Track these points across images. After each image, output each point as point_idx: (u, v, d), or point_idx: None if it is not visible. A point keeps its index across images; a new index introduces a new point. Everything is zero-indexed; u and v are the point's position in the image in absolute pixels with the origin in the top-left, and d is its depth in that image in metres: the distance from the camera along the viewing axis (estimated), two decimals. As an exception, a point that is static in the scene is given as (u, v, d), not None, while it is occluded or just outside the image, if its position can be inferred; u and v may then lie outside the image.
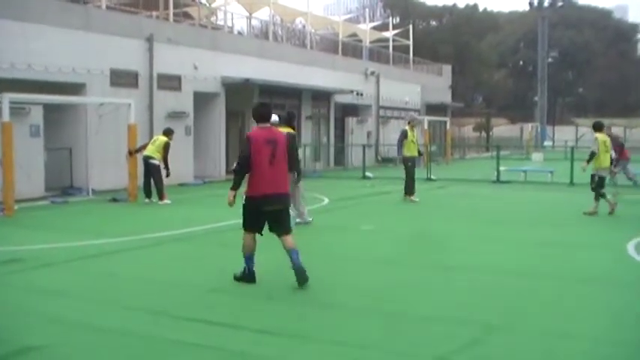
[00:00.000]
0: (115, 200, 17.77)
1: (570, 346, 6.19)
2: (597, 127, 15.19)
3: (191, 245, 11.55)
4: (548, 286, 8.49)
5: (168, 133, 17.98)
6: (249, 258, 8.48)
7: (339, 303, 7.65)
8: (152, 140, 18.13)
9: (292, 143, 10.14)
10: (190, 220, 13.96)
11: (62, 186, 19.75)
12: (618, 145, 18.73)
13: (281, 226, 8.43)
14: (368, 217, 14.79)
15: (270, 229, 8.44)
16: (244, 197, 8.29)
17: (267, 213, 8.27)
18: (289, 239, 8.40)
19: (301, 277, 8.15)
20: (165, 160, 17.39)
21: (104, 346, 6.12)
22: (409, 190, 17.90)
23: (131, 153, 18.02)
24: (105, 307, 7.44)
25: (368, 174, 26.23)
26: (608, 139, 15.09)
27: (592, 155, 14.64)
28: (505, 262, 9.99)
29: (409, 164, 17.95)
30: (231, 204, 8.29)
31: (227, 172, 25.40)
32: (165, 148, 17.48)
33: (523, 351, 5.99)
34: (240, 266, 8.60)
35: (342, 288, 8.47)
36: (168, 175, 17.41)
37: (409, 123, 18.62)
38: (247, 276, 8.46)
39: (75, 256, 10.34)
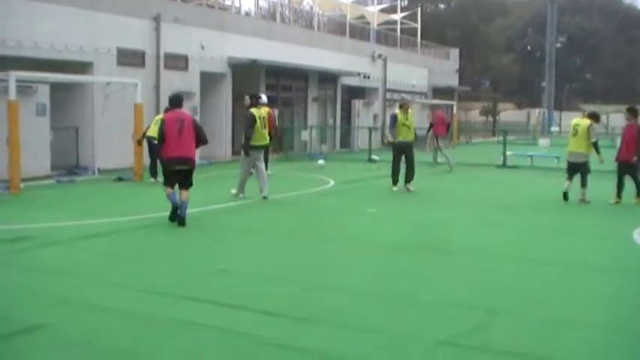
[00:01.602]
0: (120, 180, 17.79)
1: (574, 332, 6.20)
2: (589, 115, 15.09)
3: (194, 226, 11.54)
4: (553, 273, 8.49)
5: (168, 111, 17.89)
6: (171, 195, 11.25)
7: (342, 286, 7.66)
8: (154, 120, 18.03)
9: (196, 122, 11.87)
10: (195, 201, 13.95)
11: (68, 165, 19.75)
12: None
13: (184, 182, 11.33)
14: (373, 200, 14.78)
15: (178, 183, 11.23)
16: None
17: (176, 171, 11.22)
18: (185, 193, 11.26)
19: (180, 223, 11.06)
20: None
21: (109, 326, 6.15)
22: (395, 177, 16.47)
23: (139, 142, 17.89)
24: (110, 287, 7.47)
25: (374, 157, 26.18)
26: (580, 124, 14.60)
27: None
28: (509, 248, 9.99)
29: (396, 151, 16.51)
30: None
31: (233, 152, 25.40)
32: None
33: (527, 336, 5.99)
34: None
35: (346, 271, 8.50)
36: None
37: (400, 106, 16.94)
38: (173, 209, 11.24)
39: (80, 235, 10.37)
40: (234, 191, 14.63)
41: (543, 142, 34.07)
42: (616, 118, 58.17)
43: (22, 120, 15.43)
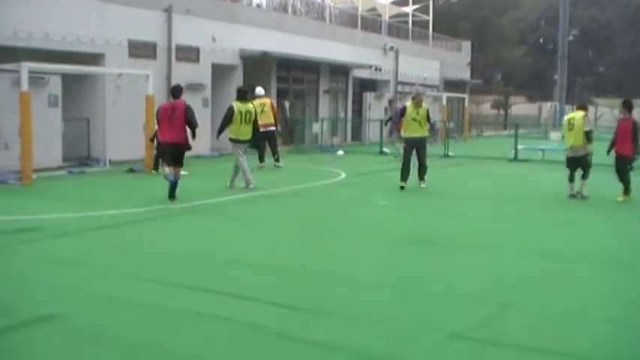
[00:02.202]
0: (131, 171, 17.82)
1: (586, 326, 6.16)
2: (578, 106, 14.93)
3: (205, 217, 11.58)
4: (564, 267, 8.44)
5: None
6: (169, 175, 12.64)
7: (354, 278, 7.64)
8: None
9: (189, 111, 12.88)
10: (205, 193, 13.99)
11: (79, 156, 19.79)
12: None
13: (176, 161, 12.80)
14: (384, 193, 14.74)
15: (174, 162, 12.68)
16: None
17: (168, 152, 12.81)
18: (178, 170, 12.80)
19: (171, 191, 12.72)
20: None
21: (119, 316, 6.15)
22: (403, 173, 15.21)
23: (152, 139, 17.85)
24: (120, 278, 7.47)
25: (385, 149, 26.13)
26: (576, 117, 14.34)
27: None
28: (520, 242, 9.93)
29: (406, 146, 15.38)
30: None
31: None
32: None
33: (538, 330, 5.95)
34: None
35: (357, 263, 8.48)
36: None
37: (413, 98, 15.75)
38: (172, 188, 12.68)
39: (91, 226, 10.38)
40: (242, 185, 14.71)
41: (555, 135, 33.91)
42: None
43: (34, 111, 15.46)
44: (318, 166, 20.23)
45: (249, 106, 15.50)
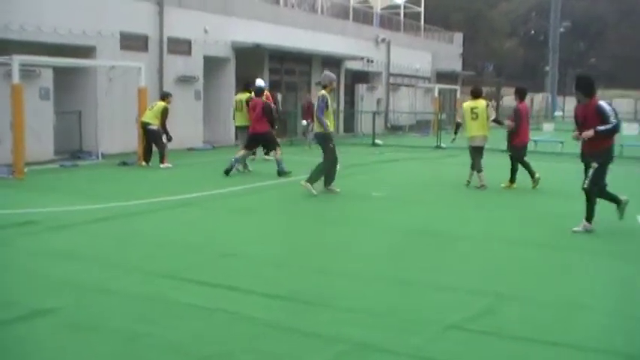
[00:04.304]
0: (124, 164, 17.78)
1: (582, 317, 6.18)
2: (472, 93, 14.98)
3: (200, 210, 11.57)
4: (560, 257, 8.48)
5: (165, 97, 18.00)
6: (237, 160, 15.51)
7: (350, 270, 7.65)
8: (150, 106, 18.03)
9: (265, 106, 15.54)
10: (200, 185, 13.97)
11: (72, 149, 19.74)
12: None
13: (267, 146, 16.42)
14: (378, 185, 14.75)
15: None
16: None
17: (254, 139, 15.81)
18: (274, 154, 15.68)
19: (282, 174, 15.27)
20: (163, 125, 17.41)
21: (117, 309, 6.14)
22: (330, 177, 13.52)
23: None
24: (116, 271, 7.46)
25: (377, 141, 26.14)
26: (479, 106, 14.52)
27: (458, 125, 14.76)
28: (516, 233, 9.97)
29: (331, 145, 13.44)
30: None
31: (237, 137, 25.34)
32: (164, 113, 17.49)
33: (535, 321, 5.97)
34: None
35: (353, 255, 8.49)
36: (169, 139, 17.48)
37: (325, 87, 13.25)
38: (229, 169, 15.37)
39: (86, 219, 10.36)
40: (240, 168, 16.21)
41: (547, 126, 34.01)
42: (621, 103, 58.10)
43: (26, 104, 15.41)
44: (311, 158, 20.19)
45: (242, 96, 17.04)
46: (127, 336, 5.51)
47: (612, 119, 9.44)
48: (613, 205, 10.24)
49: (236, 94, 18.49)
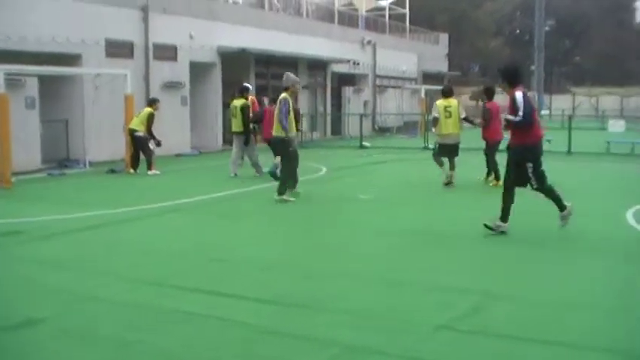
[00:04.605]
0: (112, 171, 17.75)
1: (571, 314, 6.21)
2: (444, 93, 15.27)
3: (189, 216, 11.56)
4: (549, 255, 8.51)
5: (152, 103, 17.99)
6: (276, 164, 14.08)
7: (339, 272, 7.66)
8: (137, 113, 18.04)
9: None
10: (188, 191, 13.95)
11: (59, 158, 19.69)
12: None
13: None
14: (366, 187, 14.77)
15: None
16: None
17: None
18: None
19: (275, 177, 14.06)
20: (149, 130, 17.39)
21: (106, 317, 6.13)
22: (283, 185, 12.82)
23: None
24: (106, 279, 7.44)
25: (365, 143, 26.19)
26: (452, 105, 14.85)
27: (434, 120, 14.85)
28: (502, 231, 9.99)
29: (290, 149, 12.87)
30: None
31: (224, 142, 25.34)
32: (149, 118, 17.46)
33: (524, 319, 6.00)
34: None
35: (342, 257, 8.49)
36: (158, 144, 17.47)
37: (286, 89, 12.74)
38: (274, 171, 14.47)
39: (74, 227, 10.34)
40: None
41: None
42: (606, 101, 58.40)
43: (12, 114, 15.37)
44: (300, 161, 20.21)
45: (235, 102, 16.88)
46: (117, 343, 5.50)
47: (520, 112, 9.12)
48: (602, 205, 10.29)
49: (231, 101, 18.02)
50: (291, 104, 12.68)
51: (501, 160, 11.86)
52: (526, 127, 9.25)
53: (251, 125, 16.58)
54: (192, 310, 6.25)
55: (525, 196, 12.94)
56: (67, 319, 6.08)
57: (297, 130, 14.29)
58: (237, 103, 16.73)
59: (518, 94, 9.25)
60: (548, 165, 13.91)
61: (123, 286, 7.12)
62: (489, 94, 15.05)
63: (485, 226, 9.59)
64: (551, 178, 12.41)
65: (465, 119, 15.01)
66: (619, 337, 5.65)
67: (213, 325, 5.89)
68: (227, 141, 23.50)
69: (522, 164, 9.48)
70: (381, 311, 6.24)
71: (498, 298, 6.62)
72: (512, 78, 9.56)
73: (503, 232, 9.50)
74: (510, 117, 9.33)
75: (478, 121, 14.87)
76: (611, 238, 9.47)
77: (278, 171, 13.98)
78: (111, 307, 6.40)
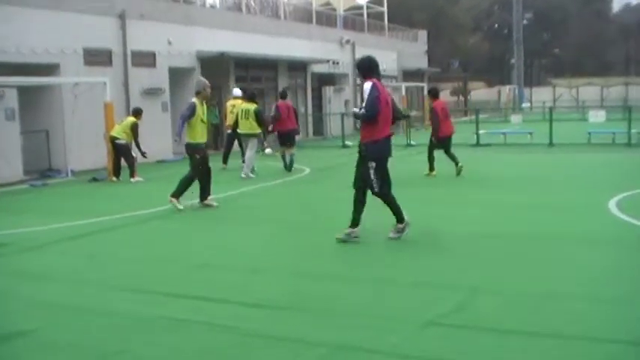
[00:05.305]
0: (95, 180, 17.65)
1: (558, 305, 6.23)
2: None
3: (173, 222, 11.51)
4: (534, 248, 8.54)
5: (136, 113, 17.91)
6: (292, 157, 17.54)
7: (327, 272, 7.67)
8: (120, 121, 18.00)
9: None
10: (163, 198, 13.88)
11: (41, 169, 19.57)
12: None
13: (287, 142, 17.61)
14: (349, 187, 14.72)
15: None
16: None
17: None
18: (290, 150, 17.50)
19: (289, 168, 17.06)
20: (135, 141, 17.33)
21: (94, 327, 6.09)
22: (179, 189, 12.53)
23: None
24: (91, 288, 7.39)
25: (347, 142, 26.17)
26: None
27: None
28: (487, 226, 10.03)
29: (197, 156, 12.46)
30: None
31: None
32: (133, 128, 17.38)
33: (511, 312, 6.02)
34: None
35: (329, 258, 8.49)
36: (143, 155, 17.41)
37: (198, 93, 12.34)
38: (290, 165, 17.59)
39: (58, 238, 10.27)
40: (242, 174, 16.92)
41: (515, 118, 34.27)
42: (586, 91, 58.69)
43: (-9, 126, 15.26)
44: (281, 163, 20.19)
45: (247, 105, 17.40)
46: (103, 353, 5.46)
47: (364, 104, 8.78)
48: (585, 196, 10.31)
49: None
50: (204, 109, 12.36)
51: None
52: (371, 123, 8.80)
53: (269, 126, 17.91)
54: (177, 316, 6.22)
55: (509, 192, 12.98)
56: (53, 331, 6.02)
57: (294, 128, 18.05)
58: (250, 106, 17.14)
59: (367, 85, 8.81)
60: (530, 157, 13.95)
61: (108, 296, 7.08)
62: (434, 94, 16.17)
63: (338, 239, 9.05)
64: (534, 171, 12.45)
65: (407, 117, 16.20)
66: (605, 327, 5.68)
67: (200, 331, 5.86)
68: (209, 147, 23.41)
69: (365, 162, 9.06)
70: (367, 309, 6.24)
71: (484, 292, 6.64)
72: (365, 70, 9.08)
73: (356, 238, 9.07)
74: (355, 110, 9.18)
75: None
76: (595, 228, 9.52)
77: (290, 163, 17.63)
78: (96, 318, 6.35)
